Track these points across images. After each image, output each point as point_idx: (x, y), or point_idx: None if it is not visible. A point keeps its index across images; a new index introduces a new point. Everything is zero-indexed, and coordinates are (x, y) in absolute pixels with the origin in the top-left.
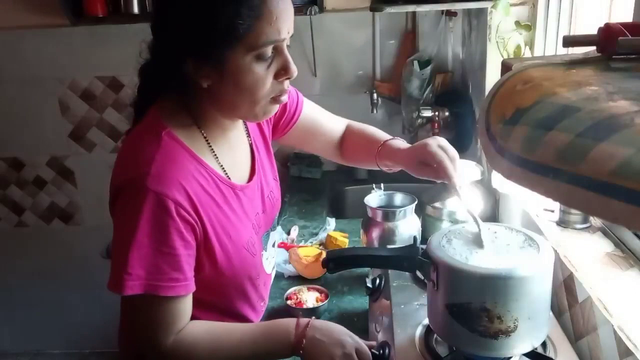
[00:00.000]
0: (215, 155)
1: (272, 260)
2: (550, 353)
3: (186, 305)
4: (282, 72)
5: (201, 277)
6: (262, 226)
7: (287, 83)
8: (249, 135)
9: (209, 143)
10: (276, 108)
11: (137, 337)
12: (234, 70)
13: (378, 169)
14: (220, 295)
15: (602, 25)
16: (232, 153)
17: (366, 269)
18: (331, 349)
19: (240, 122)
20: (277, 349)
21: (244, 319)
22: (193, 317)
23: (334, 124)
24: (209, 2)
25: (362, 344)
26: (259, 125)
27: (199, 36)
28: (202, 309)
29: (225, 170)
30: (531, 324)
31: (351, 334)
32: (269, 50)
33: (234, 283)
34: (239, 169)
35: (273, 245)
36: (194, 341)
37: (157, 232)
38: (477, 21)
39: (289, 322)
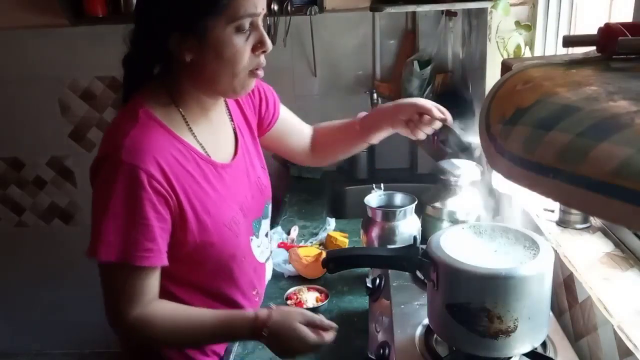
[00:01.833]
0: (194, 134)
1: (266, 251)
2: (550, 353)
3: (155, 279)
4: (259, 45)
5: (184, 254)
6: (252, 211)
7: (263, 57)
8: (232, 120)
9: (187, 122)
10: (253, 83)
11: (106, 305)
12: (216, 42)
13: (351, 151)
14: (206, 275)
15: (602, 25)
16: (213, 133)
17: (366, 269)
18: (294, 344)
19: (223, 105)
20: (233, 340)
21: (236, 305)
22: (183, 302)
23: (303, 126)
24: None
25: (320, 338)
26: (243, 114)
27: (184, 9)
28: (192, 291)
29: (204, 149)
30: (531, 324)
31: (307, 334)
32: (247, 23)
33: (217, 261)
34: (221, 149)
35: (266, 235)
36: (155, 320)
37: (130, 202)
38: (477, 21)
39: (244, 323)
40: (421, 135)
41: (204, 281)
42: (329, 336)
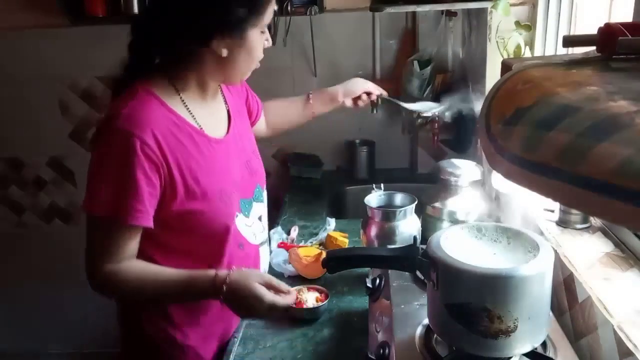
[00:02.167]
0: (190, 111)
1: (259, 234)
2: (550, 353)
3: (135, 241)
4: (266, 42)
5: (174, 221)
6: (240, 190)
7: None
8: (226, 103)
9: (184, 102)
10: None
11: (85, 258)
12: (251, 43)
13: (300, 124)
14: (194, 244)
15: (602, 25)
16: (208, 112)
17: (366, 269)
18: (249, 301)
19: (219, 90)
20: (197, 298)
21: None
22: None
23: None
24: None
25: (277, 299)
26: (235, 101)
27: (235, 19)
28: (177, 260)
29: (199, 124)
30: (531, 324)
31: (262, 292)
32: (267, 28)
33: (206, 229)
34: (214, 127)
35: (260, 219)
36: (125, 277)
37: (123, 166)
38: (477, 21)
39: (206, 281)
40: (361, 104)
41: (191, 250)
42: (287, 299)
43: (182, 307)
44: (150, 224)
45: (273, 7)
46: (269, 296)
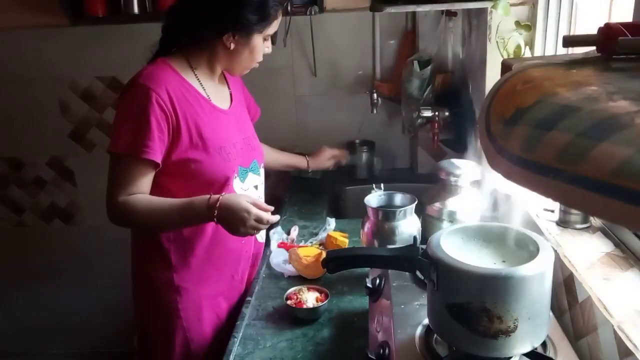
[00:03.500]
0: (201, 83)
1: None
2: (550, 353)
3: (147, 179)
4: (266, 49)
5: (177, 167)
6: (240, 157)
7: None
8: (229, 88)
9: (197, 77)
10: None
11: (106, 194)
12: (254, 44)
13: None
14: (193, 189)
15: (602, 25)
16: (215, 89)
17: (366, 269)
18: (239, 214)
19: (224, 80)
20: (196, 220)
21: (229, 241)
22: None
23: None
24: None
25: (261, 213)
26: (236, 90)
27: (247, 23)
28: None
29: (208, 95)
30: (531, 324)
31: (250, 207)
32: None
33: (204, 175)
34: (220, 100)
35: (256, 188)
36: (135, 204)
37: (140, 112)
38: (477, 21)
39: (202, 202)
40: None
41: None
42: (271, 217)
43: (176, 248)
44: (157, 159)
45: (278, 21)
46: (255, 210)
